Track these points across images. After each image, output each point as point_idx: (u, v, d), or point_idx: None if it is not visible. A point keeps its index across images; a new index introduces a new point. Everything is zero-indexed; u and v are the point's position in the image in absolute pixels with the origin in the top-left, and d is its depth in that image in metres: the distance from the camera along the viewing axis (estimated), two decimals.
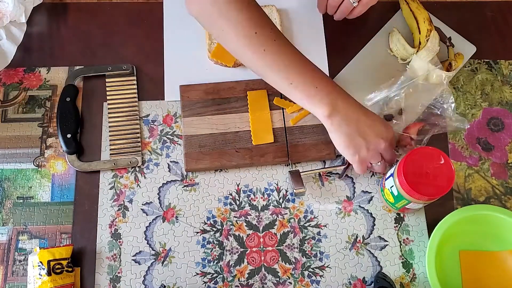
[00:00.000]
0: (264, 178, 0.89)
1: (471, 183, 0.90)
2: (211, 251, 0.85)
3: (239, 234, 0.86)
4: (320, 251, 0.86)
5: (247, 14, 0.76)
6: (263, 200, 0.88)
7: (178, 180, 0.89)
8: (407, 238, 0.87)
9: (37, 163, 0.89)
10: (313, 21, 0.99)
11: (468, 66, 0.98)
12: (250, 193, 0.88)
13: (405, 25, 0.99)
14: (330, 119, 0.78)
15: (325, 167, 0.90)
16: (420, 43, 0.94)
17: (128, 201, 0.87)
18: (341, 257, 0.85)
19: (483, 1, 1.03)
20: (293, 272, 0.84)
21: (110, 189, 0.88)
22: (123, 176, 0.89)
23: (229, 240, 0.86)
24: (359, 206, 0.88)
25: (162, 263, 0.84)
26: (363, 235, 0.87)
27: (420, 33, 0.94)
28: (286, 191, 0.89)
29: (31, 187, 0.88)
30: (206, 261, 0.85)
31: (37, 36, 0.95)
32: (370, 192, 0.89)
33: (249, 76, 0.94)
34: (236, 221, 0.87)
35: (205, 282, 0.83)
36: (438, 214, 0.85)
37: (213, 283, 0.83)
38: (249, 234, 0.86)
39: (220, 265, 0.84)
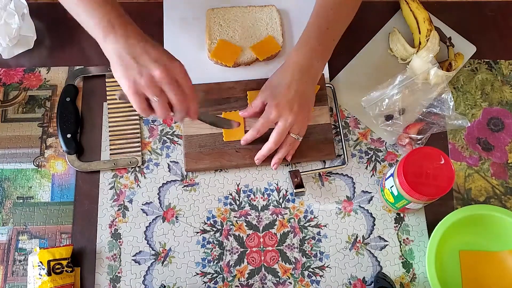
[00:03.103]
0: (264, 178, 0.89)
1: (471, 183, 0.90)
2: (211, 251, 0.85)
3: (239, 234, 0.86)
4: (320, 251, 0.86)
5: None
6: (263, 200, 0.88)
7: (178, 180, 0.89)
8: (407, 238, 0.87)
9: (37, 163, 0.89)
10: None
11: (468, 66, 0.98)
12: (250, 193, 0.88)
13: (405, 25, 0.99)
14: (105, 42, 0.73)
15: (325, 167, 0.90)
16: (420, 43, 0.94)
17: (128, 201, 0.87)
18: (341, 257, 0.85)
19: (483, 1, 1.03)
20: (293, 272, 0.84)
21: (110, 189, 0.88)
22: (123, 176, 0.89)
23: (229, 240, 0.86)
24: (359, 206, 0.88)
25: (162, 263, 0.84)
26: (363, 235, 0.87)
27: (420, 33, 0.94)
28: (286, 191, 0.89)
29: (31, 187, 0.88)
30: (206, 261, 0.85)
31: (37, 36, 0.94)
32: (370, 192, 0.89)
33: (249, 76, 0.94)
34: (236, 221, 0.87)
35: (205, 282, 0.83)
36: (438, 214, 0.85)
37: (213, 283, 0.83)
38: (249, 234, 0.86)
39: (220, 265, 0.84)
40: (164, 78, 0.71)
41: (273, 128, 0.84)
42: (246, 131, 0.88)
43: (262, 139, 0.85)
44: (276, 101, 0.82)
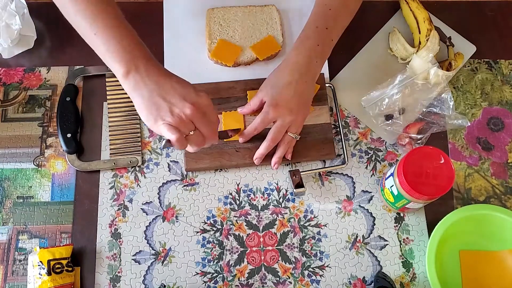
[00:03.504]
0: (264, 177, 0.89)
1: (471, 182, 0.90)
2: (211, 251, 0.85)
3: (239, 234, 0.86)
4: (320, 250, 0.86)
5: None
6: (263, 199, 0.88)
7: (178, 180, 0.89)
8: (407, 238, 0.87)
9: (37, 163, 0.89)
10: None
11: (468, 66, 0.98)
12: (250, 193, 0.88)
13: (405, 25, 0.99)
14: (128, 79, 0.71)
15: (325, 166, 0.90)
16: (420, 42, 0.94)
17: (128, 201, 0.87)
18: (341, 256, 0.85)
19: (483, 1, 1.03)
20: (293, 272, 0.84)
21: (110, 188, 0.88)
22: (123, 175, 0.89)
23: (229, 240, 0.86)
24: (359, 205, 0.88)
25: (162, 262, 0.84)
26: (363, 235, 0.87)
27: (420, 33, 0.94)
28: (286, 191, 0.89)
29: (31, 186, 0.88)
30: (206, 261, 0.85)
31: (37, 36, 0.94)
32: (370, 192, 0.89)
33: (249, 76, 0.94)
34: (236, 220, 0.87)
35: (205, 282, 0.83)
36: (438, 214, 0.85)
37: (213, 283, 0.83)
38: (249, 233, 0.86)
39: (220, 265, 0.84)
40: (195, 116, 0.71)
41: (271, 127, 0.84)
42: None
43: (260, 138, 0.85)
44: (274, 101, 0.82)
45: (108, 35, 0.71)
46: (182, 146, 0.72)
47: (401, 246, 0.86)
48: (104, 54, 0.71)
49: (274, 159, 0.86)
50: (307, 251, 0.85)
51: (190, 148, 0.75)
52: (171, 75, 0.73)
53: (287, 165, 0.90)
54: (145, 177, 0.89)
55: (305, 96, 0.84)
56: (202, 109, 0.72)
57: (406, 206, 0.82)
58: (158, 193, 0.88)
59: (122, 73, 0.71)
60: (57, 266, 0.79)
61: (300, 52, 0.83)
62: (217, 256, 0.85)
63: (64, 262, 0.80)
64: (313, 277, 0.84)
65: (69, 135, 0.88)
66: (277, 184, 0.89)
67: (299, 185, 0.86)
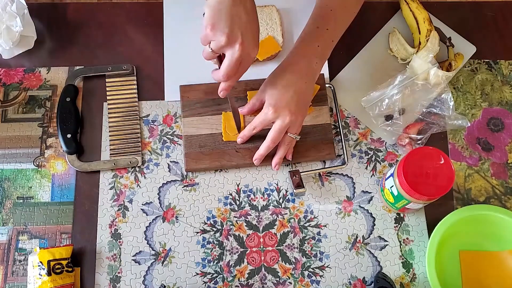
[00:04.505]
0: (264, 178, 0.89)
1: (471, 183, 0.90)
2: (211, 251, 0.85)
3: (239, 234, 0.86)
4: (320, 251, 0.86)
5: None
6: (263, 200, 0.88)
7: (178, 180, 0.89)
8: (407, 238, 0.87)
9: (37, 163, 0.89)
10: None
11: (468, 66, 0.98)
12: (250, 193, 0.88)
13: (405, 25, 0.99)
14: None
15: (325, 167, 0.90)
16: (420, 43, 0.94)
17: (128, 201, 0.87)
18: (341, 257, 0.85)
19: (483, 1, 1.03)
20: (293, 272, 0.84)
21: (110, 189, 0.88)
22: (123, 176, 0.89)
23: (229, 240, 0.86)
24: (359, 206, 0.88)
25: (162, 263, 0.84)
26: (363, 235, 0.87)
27: (420, 33, 0.94)
28: (286, 191, 0.89)
29: (31, 187, 0.88)
30: (206, 261, 0.85)
31: (37, 36, 0.94)
32: (370, 192, 0.89)
33: (249, 76, 0.94)
34: (236, 221, 0.87)
35: (205, 282, 0.83)
36: (438, 214, 0.85)
37: (213, 283, 0.83)
38: (249, 234, 0.86)
39: (220, 265, 0.84)
40: (236, 55, 0.74)
41: (270, 128, 0.84)
42: None
43: (260, 138, 0.85)
44: (274, 101, 0.82)
45: None
46: (204, 43, 0.76)
47: (401, 246, 0.86)
48: None
49: (275, 160, 0.86)
50: (307, 252, 0.85)
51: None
52: (247, 2, 0.74)
53: (287, 165, 0.90)
54: (145, 177, 0.89)
55: (305, 96, 0.84)
56: (244, 58, 0.75)
57: (406, 206, 0.82)
58: (158, 194, 0.88)
59: None
60: (57, 266, 0.79)
61: (300, 52, 0.83)
62: (217, 257, 0.85)
63: (64, 262, 0.80)
64: (313, 278, 0.84)
65: (69, 136, 0.88)
66: (277, 184, 0.89)
67: (299, 185, 0.86)
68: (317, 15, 0.86)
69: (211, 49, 0.75)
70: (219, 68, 0.78)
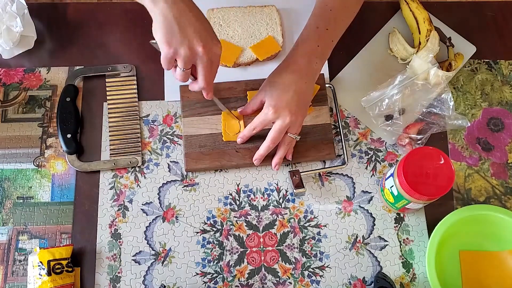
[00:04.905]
0: (264, 178, 0.89)
1: (471, 183, 0.90)
2: (211, 251, 0.85)
3: (239, 234, 0.86)
4: (320, 251, 0.86)
5: None
6: (263, 200, 0.88)
7: (178, 180, 0.89)
8: (407, 238, 0.87)
9: (37, 163, 0.89)
10: None
11: (468, 66, 0.98)
12: (250, 193, 0.88)
13: (405, 25, 0.99)
14: (155, 2, 0.71)
15: (325, 167, 0.90)
16: (420, 43, 0.94)
17: (128, 201, 0.87)
18: (341, 257, 0.85)
19: (483, 1, 1.03)
20: (293, 272, 0.84)
21: (110, 189, 0.88)
22: (123, 176, 0.89)
23: (229, 240, 0.86)
24: (359, 206, 0.88)
25: (162, 263, 0.84)
26: (363, 235, 0.87)
27: (420, 33, 0.94)
28: (286, 191, 0.89)
29: (31, 187, 0.88)
30: (206, 261, 0.85)
31: (37, 36, 0.94)
32: (370, 192, 0.89)
33: (249, 76, 0.94)
34: (236, 221, 0.87)
35: (205, 282, 0.83)
36: (438, 214, 0.85)
37: (213, 283, 0.83)
38: (249, 234, 0.86)
39: (220, 265, 0.84)
40: (203, 57, 0.73)
41: (270, 128, 0.84)
42: None
43: (260, 138, 0.85)
44: (274, 102, 0.82)
45: None
46: (167, 68, 0.75)
47: (401, 246, 0.86)
48: None
49: (275, 160, 0.86)
50: (307, 252, 0.85)
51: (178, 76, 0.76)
52: (195, 8, 0.73)
53: (287, 165, 0.90)
54: (145, 177, 0.89)
55: (305, 97, 0.84)
56: (211, 54, 0.73)
57: (406, 206, 0.82)
58: (158, 194, 0.88)
59: None
60: (57, 266, 0.79)
61: (300, 52, 0.83)
62: (217, 257, 0.85)
63: (64, 262, 0.80)
64: (313, 278, 0.84)
65: (69, 136, 0.88)
66: (277, 184, 0.89)
67: (299, 185, 0.85)
68: (317, 15, 0.86)
69: (181, 68, 0.74)
70: (195, 78, 0.78)
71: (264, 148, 0.85)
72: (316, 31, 0.84)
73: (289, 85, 0.82)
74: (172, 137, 0.91)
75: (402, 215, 0.88)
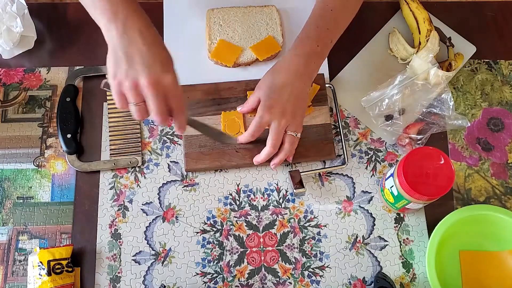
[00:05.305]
0: (264, 178, 0.89)
1: (471, 183, 0.90)
2: (211, 251, 0.85)
3: (239, 234, 0.86)
4: (320, 251, 0.86)
5: None
6: (263, 200, 0.88)
7: (178, 180, 0.89)
8: (407, 238, 0.87)
9: (37, 163, 0.89)
10: None
11: (468, 66, 0.98)
12: (250, 193, 0.88)
13: (405, 25, 0.99)
14: (108, 29, 0.69)
15: (325, 167, 0.90)
16: (420, 43, 0.94)
17: (128, 201, 0.87)
18: (341, 257, 0.85)
19: (483, 1, 1.03)
20: (293, 272, 0.84)
21: (110, 189, 0.88)
22: (123, 176, 0.89)
23: (229, 240, 0.86)
24: (359, 206, 0.88)
25: (162, 263, 0.84)
26: (363, 235, 0.87)
27: (420, 33, 0.94)
28: (286, 191, 0.89)
29: (31, 187, 0.88)
30: (206, 261, 0.85)
31: (37, 36, 0.94)
32: (370, 192, 0.89)
33: (249, 76, 0.94)
34: (236, 221, 0.87)
35: (205, 282, 0.83)
36: (438, 214, 0.85)
37: (213, 283, 0.83)
38: (249, 234, 0.86)
39: (220, 265, 0.84)
40: (149, 89, 0.68)
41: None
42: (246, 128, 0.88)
43: (260, 138, 0.85)
44: (268, 103, 0.81)
45: None
46: (121, 108, 0.71)
47: (401, 246, 0.86)
48: (92, 8, 0.71)
49: (275, 161, 0.85)
50: (307, 252, 0.85)
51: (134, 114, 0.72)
52: (146, 37, 0.69)
53: (287, 165, 0.90)
54: (145, 177, 0.89)
55: (301, 97, 0.83)
56: (161, 87, 0.69)
57: (406, 206, 0.82)
58: (158, 194, 0.88)
59: (103, 24, 0.69)
60: (57, 266, 0.79)
61: (299, 52, 0.83)
62: (217, 257, 0.85)
63: (64, 262, 0.80)
64: (313, 278, 0.84)
65: (69, 136, 0.88)
66: (277, 184, 0.89)
67: (299, 185, 0.85)
68: (317, 15, 0.86)
69: (133, 103, 0.70)
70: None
71: (265, 154, 0.84)
72: (316, 30, 0.84)
73: (285, 86, 0.81)
74: (172, 137, 0.91)
75: (402, 215, 0.88)
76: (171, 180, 0.89)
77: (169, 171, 0.89)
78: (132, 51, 0.68)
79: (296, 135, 0.85)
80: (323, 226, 0.87)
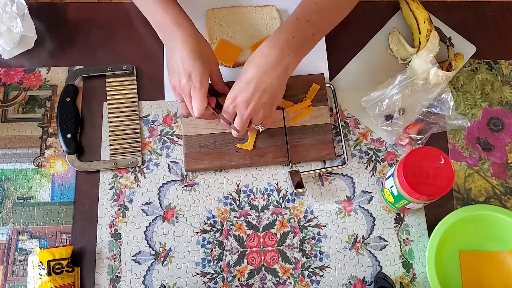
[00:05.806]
0: (264, 178, 0.89)
1: (471, 183, 0.90)
2: (211, 251, 0.85)
3: (239, 234, 0.86)
4: (320, 251, 0.86)
5: None
6: (263, 200, 0.88)
7: (178, 180, 0.89)
8: (407, 238, 0.87)
9: (37, 163, 0.89)
10: None
11: (468, 66, 0.98)
12: (250, 193, 0.88)
13: (405, 25, 0.99)
14: (165, 42, 0.85)
15: (325, 167, 0.90)
16: (420, 43, 0.94)
17: (128, 201, 0.87)
18: (341, 257, 0.85)
19: (483, 1, 1.03)
20: (293, 272, 0.84)
21: (110, 189, 0.88)
22: (123, 176, 0.89)
23: (229, 240, 0.86)
24: (359, 206, 0.88)
25: (162, 263, 0.84)
26: (363, 235, 0.87)
27: (420, 33, 0.94)
28: (286, 191, 0.89)
29: (31, 187, 0.88)
30: (206, 261, 0.85)
31: (37, 36, 0.94)
32: (370, 192, 0.89)
33: None
34: (236, 221, 0.87)
35: (205, 282, 0.83)
36: (438, 214, 0.85)
37: (213, 283, 0.83)
38: (249, 234, 0.86)
39: (220, 265, 0.84)
40: (184, 86, 0.80)
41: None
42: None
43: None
44: (233, 95, 0.80)
45: (163, 13, 0.84)
46: (178, 98, 0.84)
47: (401, 246, 0.86)
48: (157, 24, 0.85)
49: (232, 126, 0.83)
50: (307, 252, 0.85)
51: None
52: (186, 48, 0.80)
53: (287, 165, 0.90)
54: (145, 177, 0.89)
55: (270, 91, 0.79)
56: (193, 81, 0.79)
57: (406, 206, 0.82)
58: (158, 194, 0.88)
59: (164, 38, 0.85)
60: (57, 266, 0.79)
61: (272, 44, 0.80)
62: (217, 257, 0.85)
63: (64, 262, 0.80)
64: (313, 278, 0.84)
65: (69, 136, 0.88)
66: (277, 184, 0.89)
67: (299, 185, 0.85)
68: (300, 7, 0.83)
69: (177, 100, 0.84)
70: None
71: (233, 132, 0.83)
72: (294, 21, 0.81)
73: (251, 80, 0.79)
74: (172, 137, 0.91)
75: (402, 215, 0.88)
76: (171, 180, 0.89)
77: (169, 171, 0.89)
78: (174, 62, 0.81)
79: (260, 128, 0.84)
80: (323, 226, 0.87)
